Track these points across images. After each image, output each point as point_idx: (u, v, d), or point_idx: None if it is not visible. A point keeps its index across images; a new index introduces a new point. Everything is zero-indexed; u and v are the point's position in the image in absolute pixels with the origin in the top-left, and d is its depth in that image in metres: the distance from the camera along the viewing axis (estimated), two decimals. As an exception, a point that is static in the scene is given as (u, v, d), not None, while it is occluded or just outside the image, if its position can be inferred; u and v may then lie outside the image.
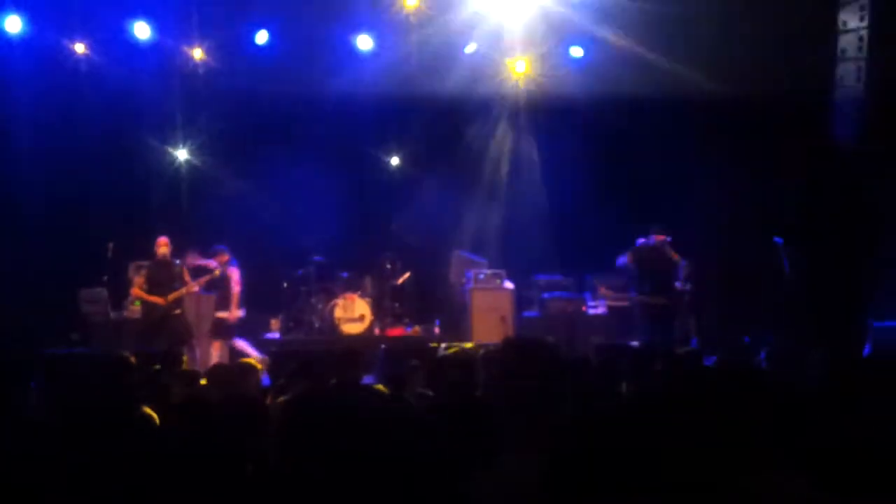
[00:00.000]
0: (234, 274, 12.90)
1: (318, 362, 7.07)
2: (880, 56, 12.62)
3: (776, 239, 12.40)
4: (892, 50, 12.44)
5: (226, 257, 12.92)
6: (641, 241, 12.84)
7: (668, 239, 12.89)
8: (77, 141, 13.78)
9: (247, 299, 13.67)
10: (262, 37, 14.12)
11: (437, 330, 14.51)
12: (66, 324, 12.94)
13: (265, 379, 9.02)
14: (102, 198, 13.96)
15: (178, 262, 12.40)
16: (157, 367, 7.88)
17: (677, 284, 13.13)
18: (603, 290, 14.08)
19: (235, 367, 7.22)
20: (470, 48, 14.49)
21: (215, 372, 7.06)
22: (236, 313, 13.04)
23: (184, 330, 12.27)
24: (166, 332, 11.98)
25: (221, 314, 13.00)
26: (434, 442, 5.44)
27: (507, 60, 14.58)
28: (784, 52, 12.94)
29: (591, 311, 14.07)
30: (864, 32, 12.79)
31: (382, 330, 14.29)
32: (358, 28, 14.15)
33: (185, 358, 9.82)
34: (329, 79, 14.26)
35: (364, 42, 14.20)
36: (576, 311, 13.83)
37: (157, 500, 3.02)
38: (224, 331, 13.03)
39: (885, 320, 12.01)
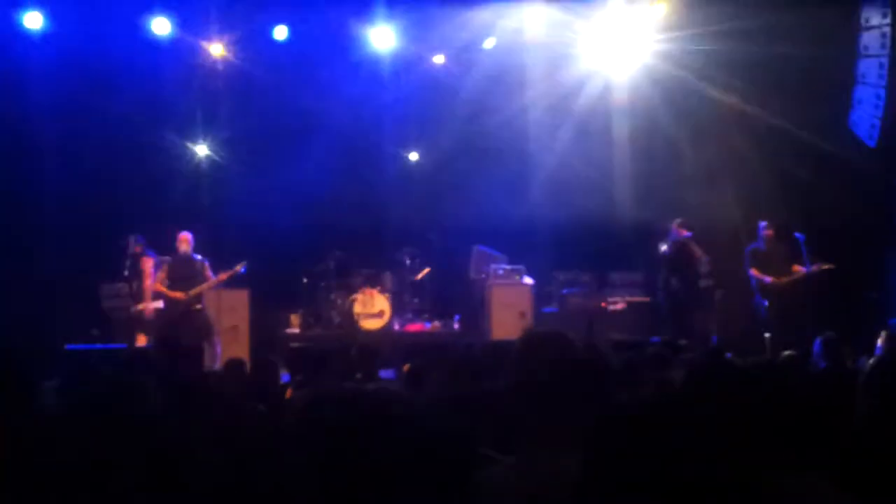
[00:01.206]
0: (147, 264, 12.68)
1: (335, 358, 7.07)
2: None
3: (797, 235, 12.33)
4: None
5: (137, 248, 12.69)
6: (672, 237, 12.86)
7: (690, 234, 12.87)
8: (97, 137, 13.81)
9: (267, 295, 13.69)
10: (281, 32, 14.15)
11: (456, 325, 14.50)
12: (87, 319, 12.99)
13: (284, 376, 9.04)
14: (123, 193, 14.00)
15: (199, 257, 12.44)
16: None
17: (698, 281, 13.08)
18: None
19: (253, 363, 7.22)
20: (489, 43, 14.52)
21: (231, 366, 7.05)
22: (150, 305, 12.74)
23: (205, 325, 12.30)
24: (187, 327, 12.00)
25: (139, 307, 12.73)
26: (451, 438, 5.43)
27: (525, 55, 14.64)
28: (804, 48, 12.88)
29: (611, 308, 14.02)
30: (886, 29, 12.71)
31: (402, 325, 14.30)
32: (376, 22, 14.14)
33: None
34: (348, 74, 14.29)
35: (381, 36, 14.17)
36: (595, 306, 13.80)
37: (176, 494, 3.02)
38: (141, 325, 12.74)
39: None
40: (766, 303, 12.53)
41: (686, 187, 13.92)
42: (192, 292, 12.18)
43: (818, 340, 7.47)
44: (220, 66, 14.21)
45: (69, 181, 13.67)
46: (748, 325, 12.82)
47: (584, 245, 14.40)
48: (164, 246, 12.81)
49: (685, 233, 12.87)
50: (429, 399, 6.49)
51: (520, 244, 14.41)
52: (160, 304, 12.73)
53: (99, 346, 12.08)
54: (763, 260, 12.68)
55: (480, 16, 14.02)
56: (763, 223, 12.71)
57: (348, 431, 2.24)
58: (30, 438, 3.30)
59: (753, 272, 12.64)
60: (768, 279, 12.55)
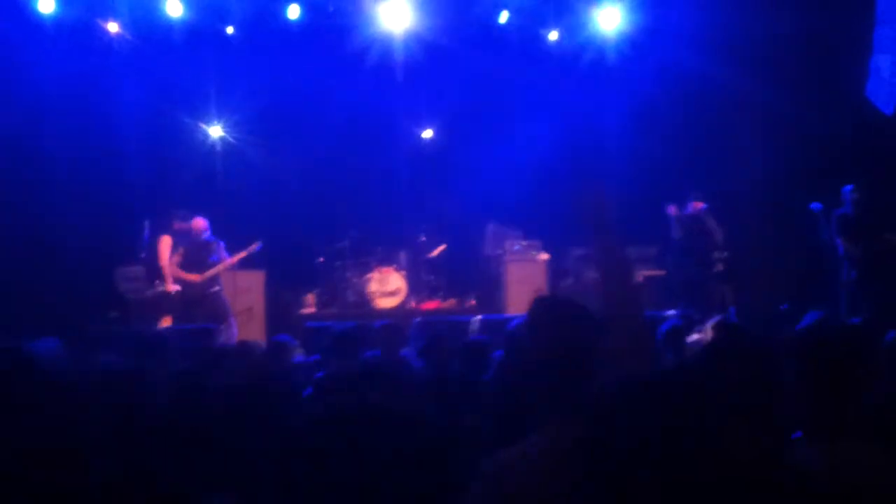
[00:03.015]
0: (163, 244, 12.73)
1: (355, 337, 7.04)
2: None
3: (813, 205, 12.24)
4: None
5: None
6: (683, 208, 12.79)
7: (706, 206, 12.82)
8: (111, 120, 13.84)
9: (282, 275, 13.75)
10: (293, 11, 14.09)
11: (472, 302, 14.50)
12: (104, 302, 13.03)
13: (299, 356, 9.05)
14: (138, 176, 14.03)
15: (213, 238, 12.44)
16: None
17: (714, 253, 13.03)
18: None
19: (267, 344, 7.22)
20: (503, 17, 14.43)
21: (241, 349, 7.02)
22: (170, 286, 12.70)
23: (221, 307, 12.32)
24: (203, 309, 12.03)
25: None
26: (465, 415, 5.40)
27: (542, 30, 14.58)
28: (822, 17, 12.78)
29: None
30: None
31: (417, 303, 14.31)
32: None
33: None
34: (361, 51, 14.24)
35: (396, 13, 14.06)
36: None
37: (184, 480, 3.01)
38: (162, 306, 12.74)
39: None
40: (854, 273, 11.86)
41: (702, 160, 13.88)
42: (207, 274, 12.19)
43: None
44: (233, 46, 14.18)
45: (81, 165, 13.69)
46: (767, 296, 12.77)
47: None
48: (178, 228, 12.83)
49: (700, 205, 12.82)
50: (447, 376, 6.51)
51: (535, 220, 14.37)
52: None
53: (116, 328, 12.11)
54: (852, 226, 11.93)
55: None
56: (849, 186, 11.95)
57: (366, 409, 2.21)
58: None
59: (840, 240, 11.88)
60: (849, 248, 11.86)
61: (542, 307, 3.08)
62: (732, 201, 13.45)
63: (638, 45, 14.34)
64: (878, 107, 12.86)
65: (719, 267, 12.95)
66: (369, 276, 14.11)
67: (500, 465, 2.82)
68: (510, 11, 14.36)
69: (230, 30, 13.96)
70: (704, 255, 12.85)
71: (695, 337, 7.79)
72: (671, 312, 11.10)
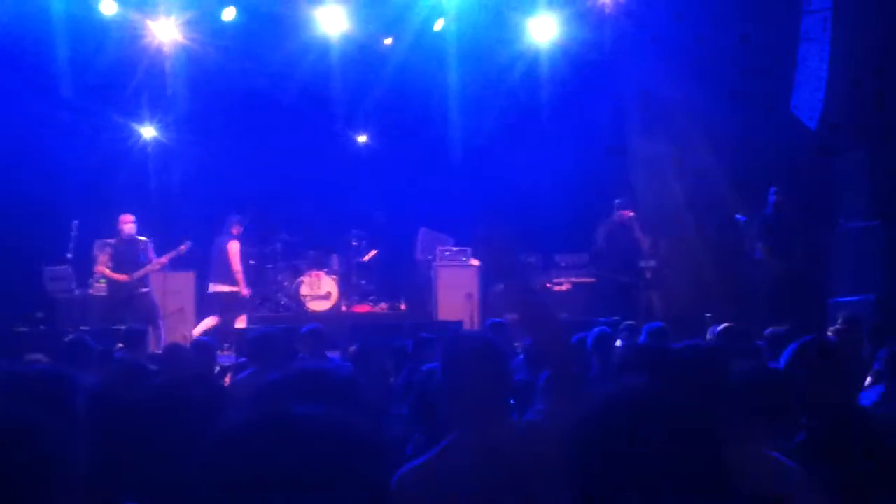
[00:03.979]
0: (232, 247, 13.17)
1: (276, 340, 7.04)
2: (844, 37, 12.66)
3: (738, 217, 12.46)
4: (856, 31, 12.50)
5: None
6: (610, 216, 12.95)
7: (633, 215, 12.98)
8: (41, 118, 13.66)
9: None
10: (229, 13, 14.01)
11: (403, 307, 14.55)
12: (31, 302, 12.86)
13: (231, 357, 9.06)
14: (67, 175, 13.87)
15: (143, 238, 12.31)
16: (120, 345, 7.90)
17: (641, 261, 13.20)
18: None
19: (191, 347, 7.19)
20: (438, 25, 14.50)
21: (169, 352, 7.00)
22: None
23: (150, 308, 12.20)
24: (132, 310, 11.91)
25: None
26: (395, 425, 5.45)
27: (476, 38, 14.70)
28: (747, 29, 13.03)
29: (556, 288, 14.13)
30: (827, 13, 12.85)
31: (349, 307, 14.32)
32: (326, 3, 14.05)
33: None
34: (297, 55, 14.22)
35: (331, 17, 14.07)
36: (541, 287, 13.88)
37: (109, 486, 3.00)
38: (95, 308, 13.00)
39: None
40: (770, 278, 11.84)
41: (631, 169, 14.07)
42: (136, 275, 12.07)
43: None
44: (167, 47, 14.07)
45: (9, 162, 13.49)
46: (691, 304, 12.95)
47: (529, 226, 14.46)
48: (108, 228, 12.70)
49: (626, 213, 12.98)
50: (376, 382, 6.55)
51: (466, 226, 14.46)
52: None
53: (42, 328, 11.96)
54: (770, 228, 11.97)
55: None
56: (773, 188, 12.03)
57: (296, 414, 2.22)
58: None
59: (759, 245, 11.94)
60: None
61: (452, 347, 3.17)
62: (661, 209, 13.63)
63: (572, 54, 14.47)
64: (801, 121, 13.09)
65: (647, 274, 13.14)
66: (301, 279, 14.09)
67: (417, 473, 2.88)
68: (446, 19, 14.43)
69: (166, 29, 13.82)
70: (632, 263, 13.03)
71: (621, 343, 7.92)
72: (600, 319, 11.23)
